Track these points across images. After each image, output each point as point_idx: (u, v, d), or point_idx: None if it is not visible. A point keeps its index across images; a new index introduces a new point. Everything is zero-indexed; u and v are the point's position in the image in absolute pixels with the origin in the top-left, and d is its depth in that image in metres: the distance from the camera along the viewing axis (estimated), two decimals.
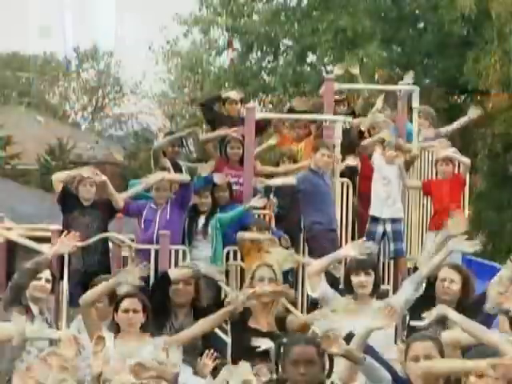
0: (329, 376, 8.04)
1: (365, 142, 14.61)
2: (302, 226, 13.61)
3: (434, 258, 10.84)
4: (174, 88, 29.66)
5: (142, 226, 13.64)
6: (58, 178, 14.01)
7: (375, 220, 14.15)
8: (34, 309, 11.27)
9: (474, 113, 16.14)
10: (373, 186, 14.31)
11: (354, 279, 10.53)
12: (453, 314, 8.35)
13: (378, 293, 10.61)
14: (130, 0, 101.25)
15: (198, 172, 14.06)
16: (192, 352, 10.35)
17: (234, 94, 15.86)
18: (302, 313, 12.24)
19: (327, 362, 8.05)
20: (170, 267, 12.51)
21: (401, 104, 15.39)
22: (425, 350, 7.84)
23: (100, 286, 10.69)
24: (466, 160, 14.78)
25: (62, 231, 13.46)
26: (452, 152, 14.67)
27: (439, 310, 8.64)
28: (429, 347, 7.88)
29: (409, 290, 10.52)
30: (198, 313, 11.08)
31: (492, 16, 23.27)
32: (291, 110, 15.99)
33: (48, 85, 76.24)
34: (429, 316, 9.27)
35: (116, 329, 10.18)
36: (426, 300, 10.46)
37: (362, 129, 15.01)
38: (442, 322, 9.25)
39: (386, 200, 14.19)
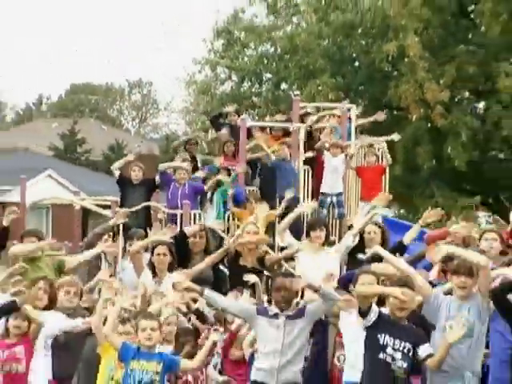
0: (301, 298, 7.97)
1: (318, 144, 14.55)
2: (277, 196, 13.34)
3: (363, 219, 11.14)
4: (193, 105, 29.46)
5: (169, 197, 13.60)
6: (114, 167, 14.24)
7: (325, 194, 14.10)
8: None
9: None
10: (324, 172, 14.21)
11: (312, 233, 10.61)
12: (384, 252, 8.23)
13: (328, 242, 10.65)
14: (164, 47, 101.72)
15: None
16: (206, 282, 10.21)
17: (230, 108, 15.98)
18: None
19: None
20: (190, 225, 12.49)
21: (342, 116, 15.33)
22: (369, 280, 7.91)
23: (145, 240, 10.77)
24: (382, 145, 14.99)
25: (121, 201, 13.74)
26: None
27: (374, 249, 8.55)
28: (372, 279, 7.97)
29: (349, 240, 10.56)
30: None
31: (406, 57, 23.24)
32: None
33: (109, 104, 76.27)
34: (367, 253, 9.48)
35: (152, 266, 10.23)
36: (359, 247, 10.61)
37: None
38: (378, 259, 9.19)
39: (332, 181, 14.11)
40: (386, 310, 7.77)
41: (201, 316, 9.40)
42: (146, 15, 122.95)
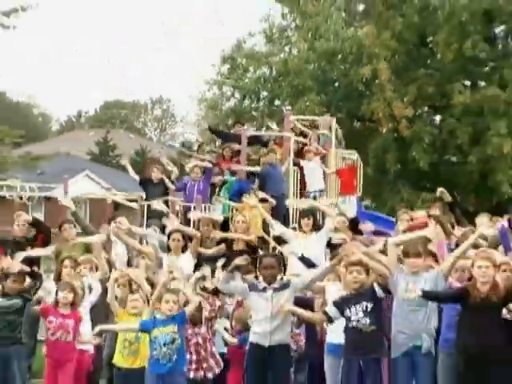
0: (284, 274, 8.01)
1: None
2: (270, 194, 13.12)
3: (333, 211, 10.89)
4: (204, 118, 29.43)
5: (187, 192, 13.57)
6: (132, 175, 14.16)
7: (308, 191, 13.91)
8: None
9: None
10: (305, 174, 14.05)
11: (302, 221, 10.60)
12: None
13: (316, 228, 10.61)
14: (179, 70, 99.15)
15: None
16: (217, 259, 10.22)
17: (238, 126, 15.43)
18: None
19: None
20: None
21: (324, 126, 15.27)
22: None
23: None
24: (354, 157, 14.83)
25: (145, 197, 13.67)
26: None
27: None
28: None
29: (329, 224, 10.47)
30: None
31: (377, 79, 23.29)
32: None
33: (135, 117, 76.26)
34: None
35: (168, 249, 10.14)
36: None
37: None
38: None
39: (313, 181, 13.99)
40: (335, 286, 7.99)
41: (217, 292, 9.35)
42: (146, 15, 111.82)
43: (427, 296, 7.48)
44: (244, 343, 8.28)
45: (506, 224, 8.79)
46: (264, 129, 18.32)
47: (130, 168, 14.38)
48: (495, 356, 7.29)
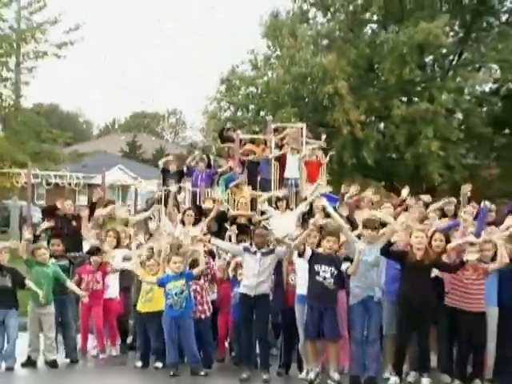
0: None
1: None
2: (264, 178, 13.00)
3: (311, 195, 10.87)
4: (208, 125, 29.21)
5: (193, 180, 13.40)
6: (160, 162, 13.92)
7: (288, 178, 13.65)
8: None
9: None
10: (287, 165, 13.70)
11: (278, 203, 10.58)
12: (330, 209, 8.22)
13: (289, 208, 10.58)
14: (189, 88, 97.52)
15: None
16: (211, 232, 10.08)
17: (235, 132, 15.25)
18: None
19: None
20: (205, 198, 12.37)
21: (299, 131, 15.08)
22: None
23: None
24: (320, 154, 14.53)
25: (163, 184, 13.45)
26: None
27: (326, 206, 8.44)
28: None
29: (303, 207, 10.42)
30: (220, 216, 10.78)
31: (337, 95, 23.17)
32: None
33: (156, 124, 76.01)
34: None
35: (183, 222, 10.04)
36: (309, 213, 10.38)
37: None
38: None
39: (291, 169, 13.70)
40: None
41: (212, 253, 9.28)
42: (142, 12, 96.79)
43: (382, 249, 7.53)
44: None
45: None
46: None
47: (163, 159, 14.10)
48: (426, 306, 7.34)
